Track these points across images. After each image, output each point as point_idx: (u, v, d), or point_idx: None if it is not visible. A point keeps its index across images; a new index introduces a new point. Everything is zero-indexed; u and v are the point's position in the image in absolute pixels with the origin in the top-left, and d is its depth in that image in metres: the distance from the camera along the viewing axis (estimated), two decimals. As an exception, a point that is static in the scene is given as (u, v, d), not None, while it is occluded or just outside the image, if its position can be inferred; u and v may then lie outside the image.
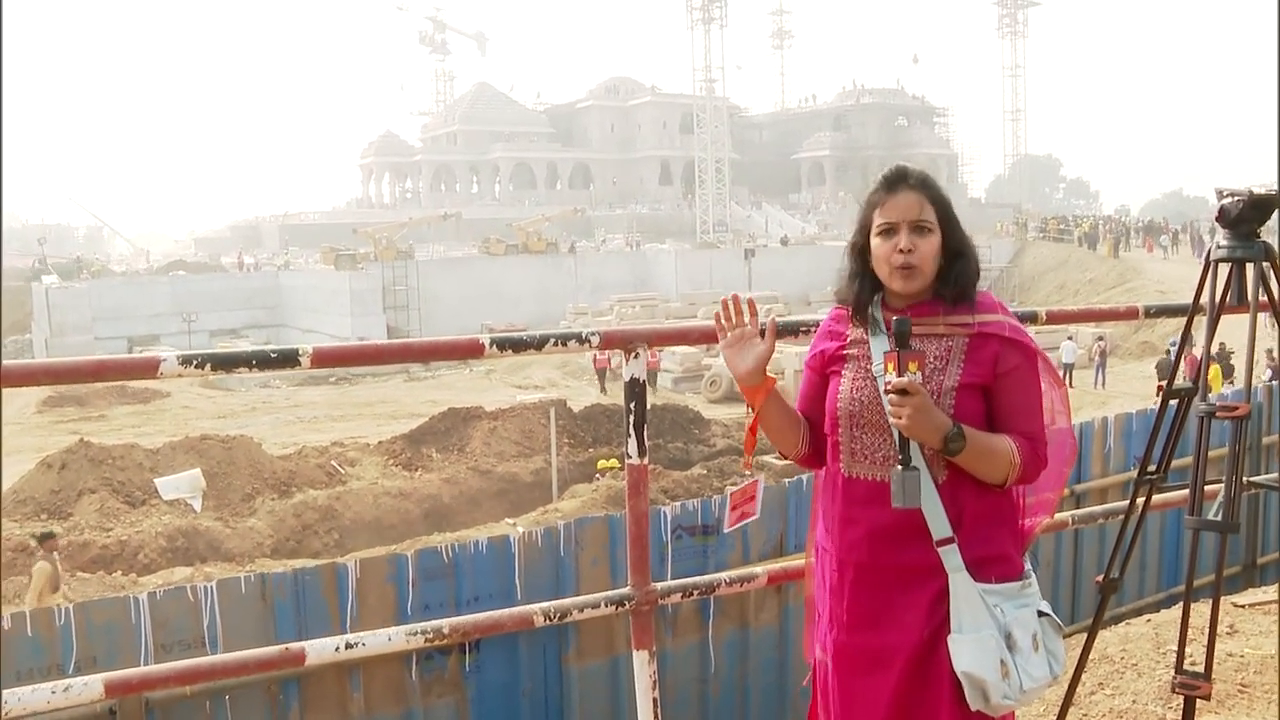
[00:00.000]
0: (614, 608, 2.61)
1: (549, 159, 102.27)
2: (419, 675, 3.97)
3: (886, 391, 2.10)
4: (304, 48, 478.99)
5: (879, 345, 2.20)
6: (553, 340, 2.49)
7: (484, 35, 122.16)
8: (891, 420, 2.10)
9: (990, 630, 2.09)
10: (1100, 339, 32.33)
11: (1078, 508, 6.57)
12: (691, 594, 2.78)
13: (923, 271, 2.20)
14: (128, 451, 20.89)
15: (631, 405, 2.55)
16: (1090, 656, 5.12)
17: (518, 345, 2.47)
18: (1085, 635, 6.33)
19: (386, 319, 50.56)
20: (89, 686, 2.13)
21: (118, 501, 19.25)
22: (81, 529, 17.91)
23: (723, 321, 2.25)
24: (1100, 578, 3.45)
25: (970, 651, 2.08)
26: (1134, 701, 4.26)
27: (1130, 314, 3.65)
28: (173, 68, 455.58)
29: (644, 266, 59.65)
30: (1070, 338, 32.82)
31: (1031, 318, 3.45)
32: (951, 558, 2.12)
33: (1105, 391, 30.75)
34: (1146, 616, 5.36)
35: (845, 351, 2.29)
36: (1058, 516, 3.59)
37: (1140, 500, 3.39)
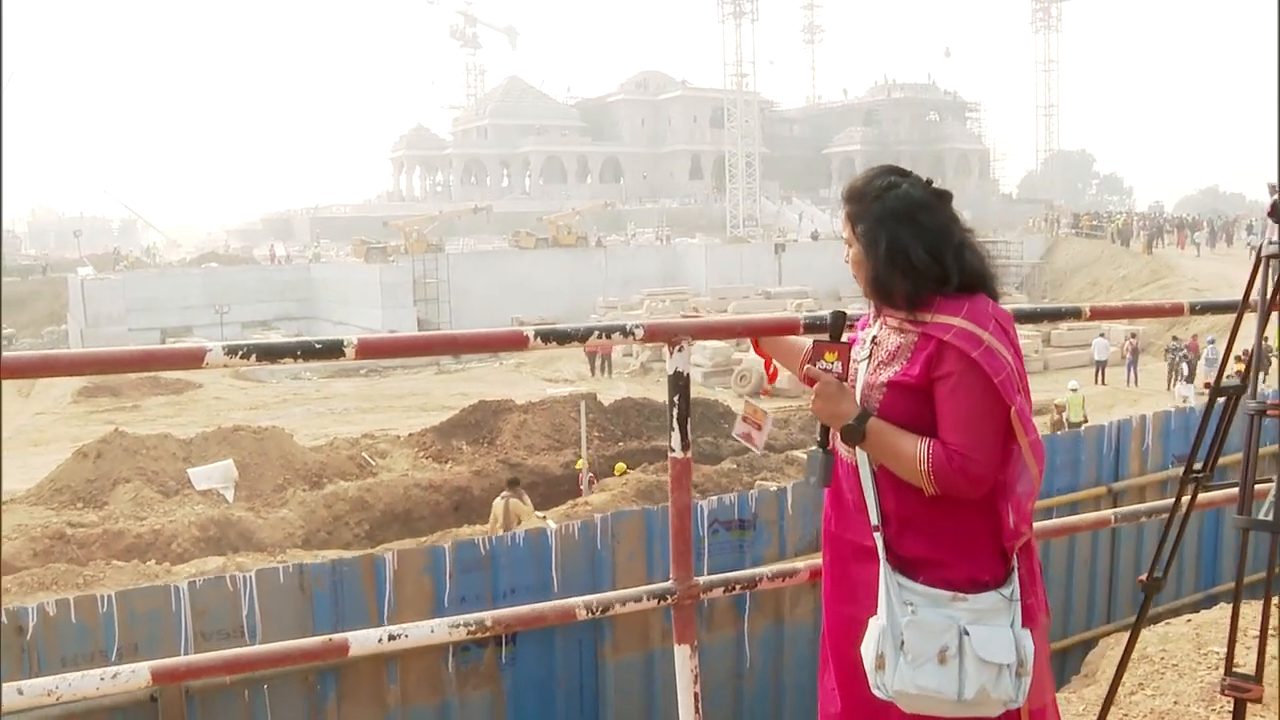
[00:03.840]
0: (656, 601, 2.60)
1: (579, 153, 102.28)
2: (455, 667, 3.98)
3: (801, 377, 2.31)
4: (336, 41, 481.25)
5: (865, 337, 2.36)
6: (597, 333, 2.48)
7: (514, 29, 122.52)
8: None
9: (882, 621, 2.16)
10: (1132, 336, 32.02)
11: (1115, 505, 6.52)
12: (733, 588, 2.76)
13: (860, 279, 2.33)
14: (161, 442, 21.05)
15: (675, 399, 2.54)
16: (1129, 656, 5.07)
17: (562, 337, 2.47)
18: (1123, 633, 6.27)
19: (417, 311, 50.73)
20: (136, 674, 2.13)
21: (152, 491, 19.41)
22: (116, 518, 18.08)
23: None
24: (1143, 577, 3.40)
25: (867, 634, 2.18)
26: (1175, 702, 4.21)
27: (1175, 310, 3.59)
28: (206, 61, 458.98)
29: (674, 261, 59.55)
30: (1102, 334, 32.54)
31: (1075, 314, 3.40)
32: (879, 543, 2.22)
33: (1138, 389, 30.49)
34: (1186, 616, 5.30)
35: None
36: (1100, 514, 3.55)
37: (1185, 499, 3.34)
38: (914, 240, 2.23)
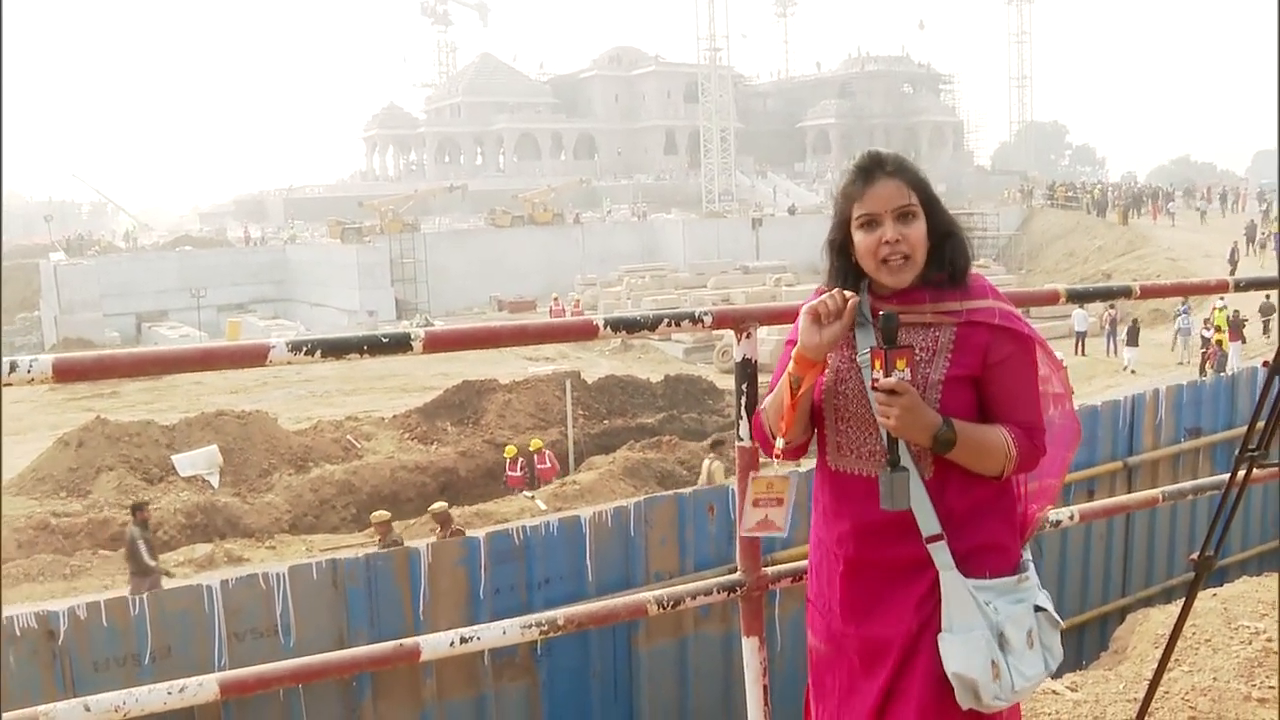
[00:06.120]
0: (725, 594, 2.54)
1: (553, 130, 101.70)
2: (491, 660, 3.90)
3: (874, 388, 2.03)
4: (306, 19, 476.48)
5: (864, 337, 2.12)
6: (666, 320, 2.40)
7: (485, 5, 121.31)
8: (880, 420, 2.04)
9: (981, 630, 2.03)
10: (1111, 307, 32.14)
11: (1130, 480, 6.50)
12: (800, 578, 2.70)
13: (914, 261, 2.09)
14: (144, 428, 20.85)
15: (743, 386, 2.47)
16: (1159, 633, 5.05)
17: (631, 326, 2.39)
18: (1139, 608, 6.26)
19: (394, 292, 50.45)
20: (204, 686, 2.05)
21: (136, 479, 19.24)
22: (100, 507, 17.90)
23: (825, 308, 2.09)
24: (1194, 555, 3.36)
25: (960, 652, 2.02)
26: (1215, 679, 4.18)
27: (1221, 287, 3.54)
28: (174, 40, 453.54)
29: (651, 237, 59.46)
30: (1081, 306, 32.64)
31: (1126, 292, 3.34)
32: (940, 554, 2.06)
33: (1118, 359, 30.66)
34: (1212, 591, 5.28)
35: None
36: (1148, 493, 3.50)
37: (1240, 475, 3.30)
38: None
